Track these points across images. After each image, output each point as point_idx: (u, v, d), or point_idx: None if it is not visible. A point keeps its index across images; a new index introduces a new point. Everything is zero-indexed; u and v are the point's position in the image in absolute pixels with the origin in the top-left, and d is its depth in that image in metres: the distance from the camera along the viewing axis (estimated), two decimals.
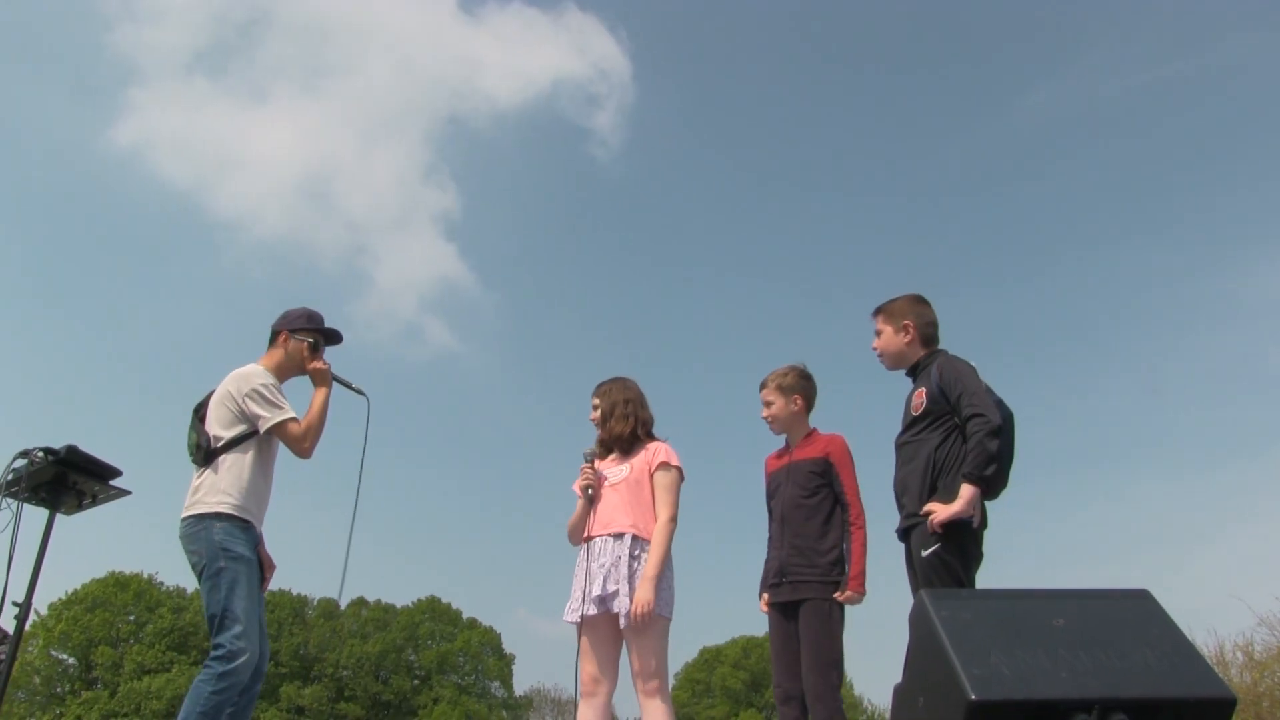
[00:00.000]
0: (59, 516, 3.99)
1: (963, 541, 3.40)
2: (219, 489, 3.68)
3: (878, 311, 3.96)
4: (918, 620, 2.09)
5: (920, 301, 3.92)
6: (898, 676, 2.24)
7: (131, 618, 44.23)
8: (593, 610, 3.58)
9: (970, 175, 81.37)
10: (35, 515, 3.93)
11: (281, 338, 4.06)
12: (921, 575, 3.42)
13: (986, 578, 3.53)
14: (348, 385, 4.11)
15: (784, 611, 4.00)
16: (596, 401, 4.02)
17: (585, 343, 78.15)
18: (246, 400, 3.78)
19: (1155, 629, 2.06)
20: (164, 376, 70.45)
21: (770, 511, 4.23)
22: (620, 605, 3.54)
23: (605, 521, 3.74)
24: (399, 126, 78.92)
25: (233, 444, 3.76)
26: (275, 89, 75.59)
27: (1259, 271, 70.33)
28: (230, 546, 3.60)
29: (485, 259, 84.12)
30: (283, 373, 4.02)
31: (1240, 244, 72.53)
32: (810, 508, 4.02)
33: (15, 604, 3.67)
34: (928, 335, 3.85)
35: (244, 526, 3.68)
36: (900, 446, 3.76)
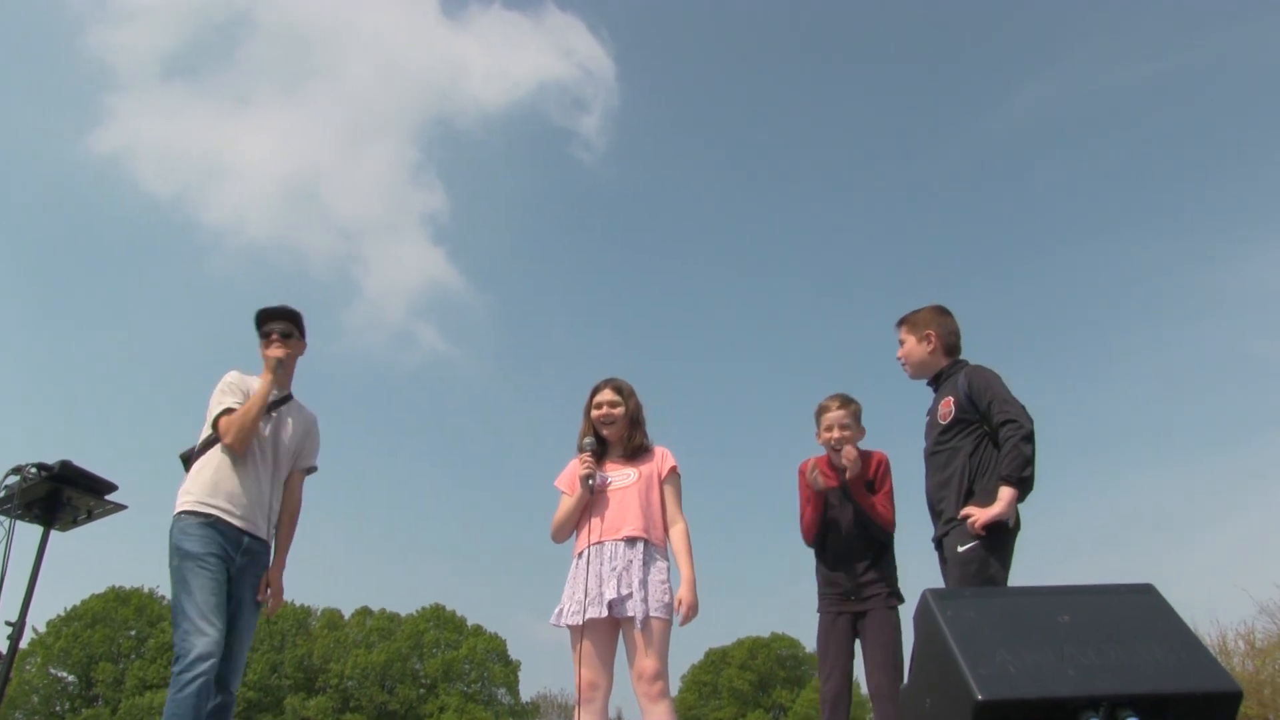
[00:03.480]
0: (54, 533, 3.96)
1: (1001, 540, 3.45)
2: (184, 490, 3.68)
3: (901, 322, 4.06)
4: (922, 620, 2.06)
5: (943, 312, 4.01)
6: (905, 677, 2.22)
7: (133, 633, 44.16)
8: (603, 612, 3.55)
9: (961, 172, 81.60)
10: (30, 532, 3.90)
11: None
12: (959, 570, 3.43)
13: None
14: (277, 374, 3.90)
15: (850, 617, 3.99)
16: (616, 398, 3.92)
17: (578, 343, 78.29)
18: (211, 401, 3.81)
19: (1161, 624, 2.04)
20: (155, 388, 70.60)
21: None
22: (635, 608, 3.51)
23: (615, 525, 3.69)
24: (385, 129, 79.16)
25: (206, 446, 3.76)
26: (257, 92, 75.69)
27: (1250, 263, 70.55)
28: (181, 544, 3.54)
29: (475, 262, 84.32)
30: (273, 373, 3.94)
31: (1231, 237, 72.76)
32: None
33: (9, 623, 3.64)
34: (950, 345, 3.95)
35: (205, 522, 3.58)
36: (930, 456, 3.82)
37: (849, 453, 4.01)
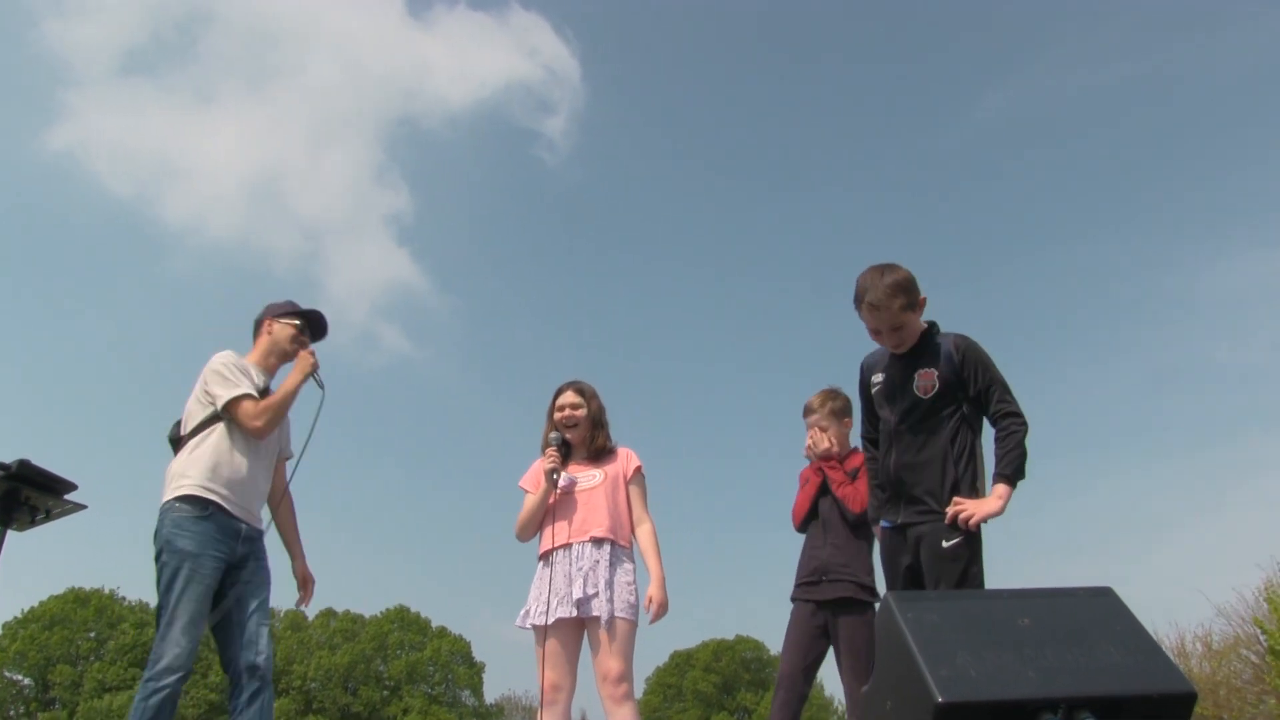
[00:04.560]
0: (11, 533, 3.90)
1: (980, 536, 3.32)
2: (178, 472, 3.56)
3: (890, 298, 3.34)
4: (884, 623, 2.08)
5: (902, 268, 3.44)
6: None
7: (92, 634, 43.42)
8: (571, 612, 3.55)
9: (930, 174, 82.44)
10: None
11: (266, 324, 3.97)
12: (942, 567, 3.27)
13: None
14: (316, 379, 3.92)
15: (824, 616, 4.00)
16: (578, 400, 3.94)
17: (542, 344, 78.19)
18: (207, 382, 3.69)
19: (1119, 626, 2.08)
20: (115, 387, 69.52)
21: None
22: (601, 609, 3.51)
23: (582, 527, 3.70)
24: (349, 129, 78.36)
25: (199, 428, 3.66)
26: (219, 90, 74.47)
27: (1211, 268, 71.91)
28: (174, 540, 3.43)
29: (439, 263, 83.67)
30: (270, 359, 3.93)
31: (1191, 242, 74.14)
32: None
33: None
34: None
35: (202, 507, 3.49)
36: (900, 432, 3.46)
37: (813, 436, 4.17)
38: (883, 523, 3.56)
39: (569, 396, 3.95)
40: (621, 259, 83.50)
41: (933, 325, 3.51)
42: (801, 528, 4.21)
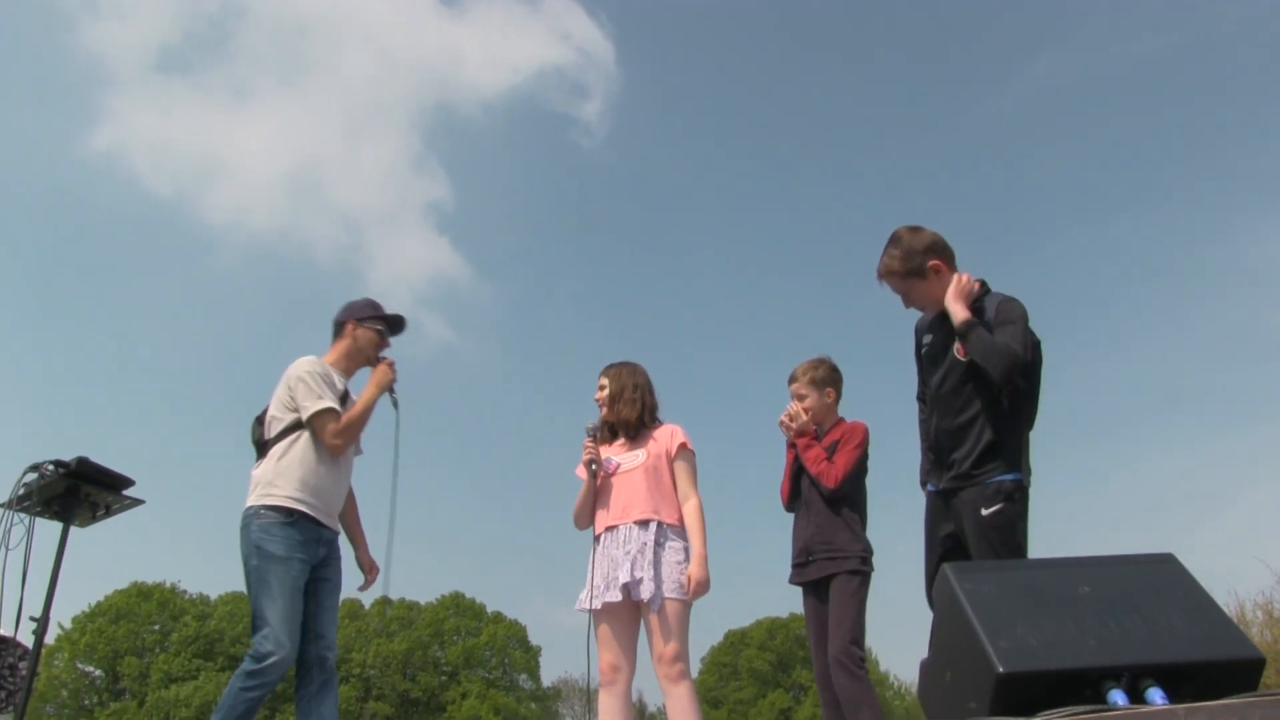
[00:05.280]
0: (74, 529, 3.99)
1: (1025, 502, 3.25)
2: (265, 480, 3.62)
3: (889, 271, 3.43)
4: (942, 594, 2.06)
5: (924, 228, 3.47)
6: (924, 651, 2.22)
7: (156, 627, 44.54)
8: (617, 597, 3.56)
9: (971, 150, 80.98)
10: (49, 529, 3.94)
11: (349, 328, 4.00)
12: (985, 536, 3.19)
13: None
14: (392, 396, 3.98)
15: (817, 593, 3.99)
16: (604, 382, 3.97)
17: (584, 330, 78.14)
18: (292, 390, 3.73)
19: (1181, 593, 2.03)
20: (166, 383, 70.80)
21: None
22: (648, 591, 3.52)
23: (626, 508, 3.71)
24: (385, 118, 78.36)
25: (283, 434, 3.71)
26: (255, 84, 74.81)
27: (1268, 237, 69.98)
28: (263, 545, 3.50)
29: (480, 250, 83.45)
30: (351, 362, 3.99)
31: (1247, 210, 72.13)
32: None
33: (33, 619, 3.67)
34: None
35: (288, 517, 3.56)
36: (942, 396, 3.42)
37: (789, 410, 4.11)
38: (929, 487, 3.52)
39: (599, 380, 4.01)
40: (661, 241, 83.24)
41: (982, 286, 3.43)
42: (790, 508, 4.19)
